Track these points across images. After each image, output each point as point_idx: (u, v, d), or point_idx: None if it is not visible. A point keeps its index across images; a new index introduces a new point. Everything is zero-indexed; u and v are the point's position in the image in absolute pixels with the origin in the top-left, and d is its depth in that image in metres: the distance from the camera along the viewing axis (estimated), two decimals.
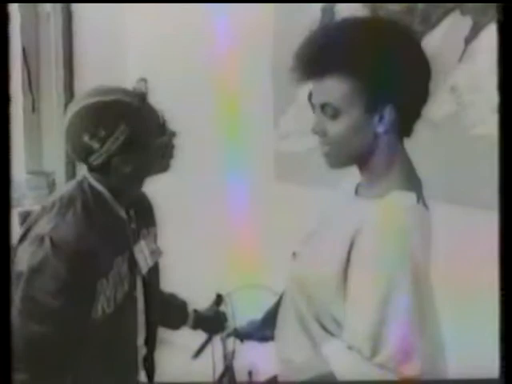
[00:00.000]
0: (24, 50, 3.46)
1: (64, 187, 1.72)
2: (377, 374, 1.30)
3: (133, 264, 1.68)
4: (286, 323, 1.52)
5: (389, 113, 1.37)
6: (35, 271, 1.52)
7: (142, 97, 1.60)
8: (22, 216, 3.34)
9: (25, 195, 3.60)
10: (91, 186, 1.63)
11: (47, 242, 1.53)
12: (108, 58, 3.28)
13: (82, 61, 3.49)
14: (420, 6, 2.31)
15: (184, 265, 2.68)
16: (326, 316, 1.42)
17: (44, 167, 3.71)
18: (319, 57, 1.38)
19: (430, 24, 2.29)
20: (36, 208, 3.07)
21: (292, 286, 1.52)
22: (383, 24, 1.49)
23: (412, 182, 1.42)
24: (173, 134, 1.67)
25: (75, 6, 3.49)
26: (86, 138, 1.55)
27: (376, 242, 1.33)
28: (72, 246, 1.53)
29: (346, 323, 1.36)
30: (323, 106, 1.40)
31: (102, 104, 1.57)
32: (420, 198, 1.39)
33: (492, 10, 2.11)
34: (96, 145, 1.55)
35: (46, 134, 3.62)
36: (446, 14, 2.26)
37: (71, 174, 3.58)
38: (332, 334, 1.42)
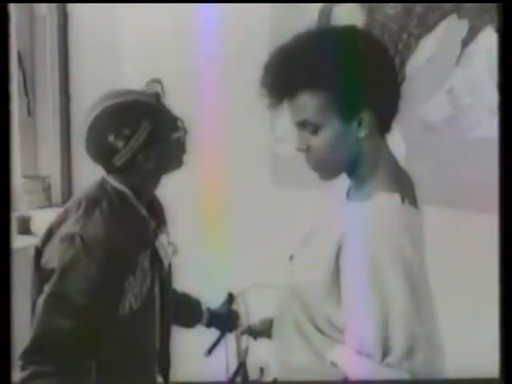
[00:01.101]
0: (19, 53, 3.45)
1: (86, 189, 1.76)
2: (389, 375, 1.31)
3: (153, 260, 1.72)
4: (282, 325, 1.53)
5: (367, 117, 1.37)
6: (67, 269, 1.57)
7: (157, 96, 1.67)
8: (17, 220, 3.33)
9: (20, 199, 3.58)
10: (113, 186, 1.68)
11: (78, 240, 1.58)
12: (104, 61, 3.27)
13: (78, 64, 3.48)
14: (417, 9, 2.30)
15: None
16: (320, 318, 1.43)
17: (40, 171, 3.70)
18: (284, 77, 1.39)
19: (427, 27, 2.29)
20: (32, 212, 3.06)
21: (287, 289, 1.52)
22: (338, 32, 1.48)
23: (397, 181, 1.42)
24: (185, 130, 1.73)
25: (71, 9, 3.48)
26: (111, 138, 1.60)
27: (362, 247, 1.34)
28: (101, 244, 1.58)
29: (349, 330, 1.37)
30: (302, 124, 1.40)
31: (122, 104, 1.63)
32: (405, 198, 1.38)
33: (489, 13, 2.11)
34: (120, 143, 1.60)
35: (42, 138, 3.61)
36: (442, 17, 2.26)
37: (67, 177, 3.57)
38: (327, 336, 1.43)
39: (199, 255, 2.85)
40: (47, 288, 1.58)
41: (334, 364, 1.39)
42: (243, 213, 2.84)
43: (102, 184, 1.69)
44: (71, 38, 3.53)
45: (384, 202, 1.38)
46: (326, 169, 1.44)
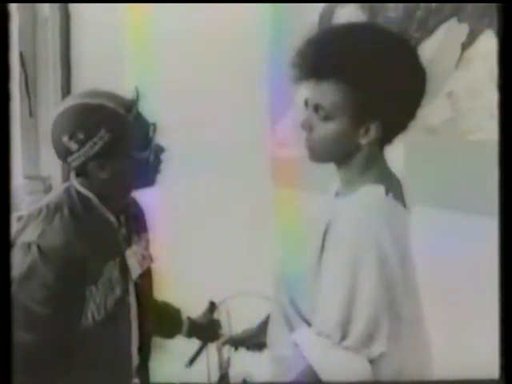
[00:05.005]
0: (21, 54, 3.46)
1: (51, 194, 1.71)
2: (346, 357, 1.34)
3: (125, 269, 1.66)
4: (275, 324, 1.55)
5: (375, 128, 1.42)
6: (23, 279, 1.51)
7: (129, 105, 1.59)
8: (18, 221, 3.33)
9: (22, 200, 3.59)
10: (78, 191, 1.62)
11: (34, 249, 1.52)
12: (106, 63, 3.28)
13: (80, 65, 3.49)
14: (417, 12, 2.31)
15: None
16: (306, 310, 1.46)
17: (41, 172, 3.70)
18: (319, 58, 1.43)
19: (427, 30, 2.29)
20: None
21: (277, 287, 1.54)
22: (383, 32, 1.53)
23: (384, 177, 1.46)
24: (161, 150, 1.65)
25: (74, 11, 3.49)
26: (64, 139, 1.55)
27: (344, 231, 1.38)
28: (59, 252, 1.52)
29: (318, 310, 1.40)
30: (316, 107, 1.44)
31: (85, 107, 1.56)
32: (389, 191, 1.42)
33: (489, 16, 2.11)
34: (74, 146, 1.55)
35: (43, 139, 3.62)
36: (442, 20, 2.27)
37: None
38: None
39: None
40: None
41: (296, 344, 1.41)
42: (240, 216, 2.84)
43: (68, 189, 1.64)
44: (73, 40, 3.53)
45: (368, 192, 1.42)
46: (319, 154, 1.49)
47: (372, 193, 1.42)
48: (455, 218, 2.18)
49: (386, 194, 1.41)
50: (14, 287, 1.49)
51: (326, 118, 1.43)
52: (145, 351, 1.77)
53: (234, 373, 1.92)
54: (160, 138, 1.65)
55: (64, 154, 1.58)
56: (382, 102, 1.40)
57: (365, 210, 1.40)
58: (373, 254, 1.34)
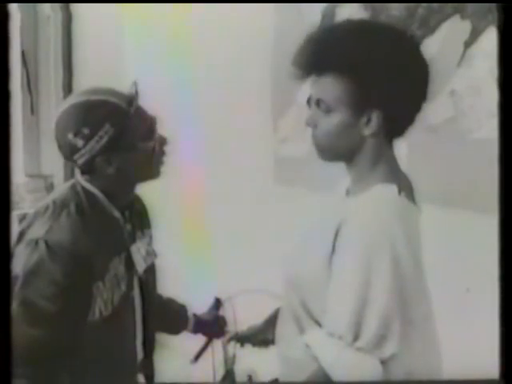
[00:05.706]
0: (23, 52, 3.47)
1: (57, 190, 1.73)
2: (358, 358, 1.34)
3: (130, 265, 1.68)
4: (285, 325, 1.54)
5: (376, 117, 1.41)
6: (31, 275, 1.53)
7: (130, 99, 1.61)
8: (20, 219, 3.34)
9: (23, 198, 3.60)
10: (84, 188, 1.64)
11: (42, 245, 1.54)
12: (107, 61, 3.28)
13: (81, 63, 3.49)
14: (419, 10, 2.31)
15: (181, 268, 2.68)
16: (317, 311, 1.44)
17: (42, 170, 3.71)
18: (319, 54, 1.44)
19: (429, 28, 2.29)
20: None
21: (287, 287, 1.54)
22: (383, 28, 1.54)
23: (396, 176, 1.46)
24: (163, 141, 1.67)
25: (75, 9, 3.50)
26: (70, 136, 1.56)
27: (357, 232, 1.37)
28: (67, 248, 1.54)
29: (329, 310, 1.39)
30: (318, 102, 1.45)
31: (88, 103, 1.58)
32: (402, 190, 1.42)
33: (491, 14, 2.11)
34: (80, 143, 1.56)
35: (45, 137, 3.62)
36: (445, 18, 2.26)
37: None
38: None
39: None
40: (14, 295, 1.50)
41: (308, 346, 1.41)
42: (243, 214, 2.85)
43: (74, 186, 1.65)
44: (75, 38, 3.54)
45: (381, 192, 1.42)
46: (326, 151, 1.48)
47: (385, 192, 1.41)
48: (455, 217, 2.18)
49: (399, 193, 1.41)
50: (21, 283, 1.52)
51: (328, 111, 1.43)
52: (149, 346, 1.79)
53: (240, 369, 1.92)
54: (163, 132, 1.68)
55: (70, 151, 1.59)
56: (382, 91, 1.40)
57: (378, 210, 1.39)
58: (386, 254, 1.34)
